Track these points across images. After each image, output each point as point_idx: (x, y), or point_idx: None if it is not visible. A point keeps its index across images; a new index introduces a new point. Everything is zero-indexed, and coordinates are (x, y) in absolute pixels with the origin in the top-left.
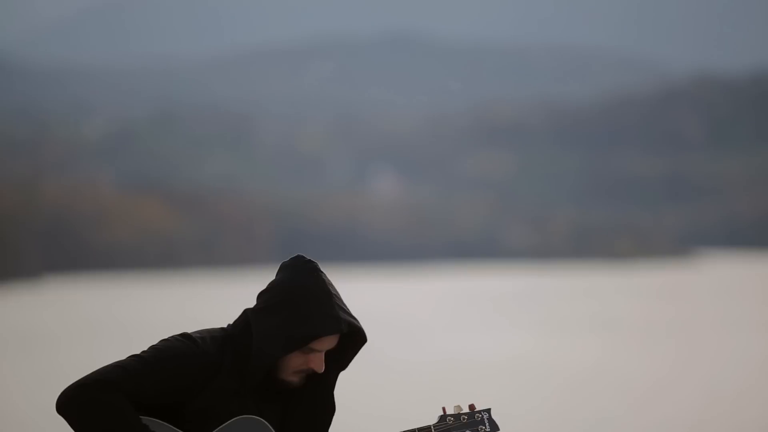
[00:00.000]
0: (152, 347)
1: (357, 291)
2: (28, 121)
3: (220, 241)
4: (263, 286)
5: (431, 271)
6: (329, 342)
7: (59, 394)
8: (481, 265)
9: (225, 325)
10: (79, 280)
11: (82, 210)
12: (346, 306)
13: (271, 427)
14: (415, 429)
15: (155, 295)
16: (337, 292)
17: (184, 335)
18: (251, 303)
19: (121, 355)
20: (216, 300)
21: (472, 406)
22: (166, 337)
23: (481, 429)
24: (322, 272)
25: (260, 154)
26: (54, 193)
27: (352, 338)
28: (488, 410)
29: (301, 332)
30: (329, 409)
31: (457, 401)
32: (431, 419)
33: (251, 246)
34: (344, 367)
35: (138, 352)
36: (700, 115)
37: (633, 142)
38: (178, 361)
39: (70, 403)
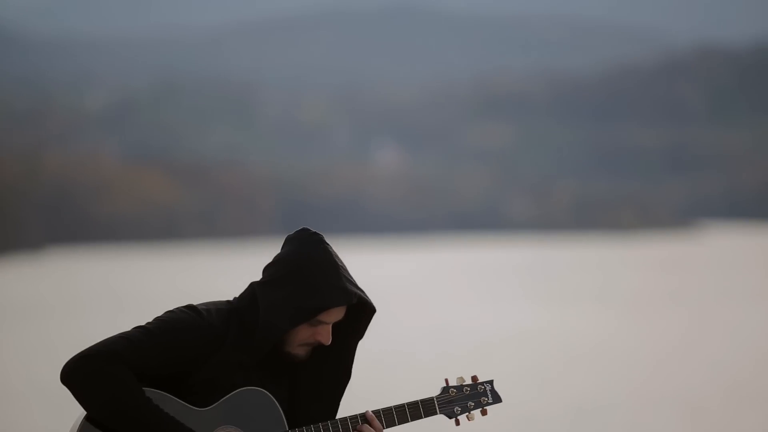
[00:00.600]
0: (157, 319)
1: (359, 263)
2: (31, 92)
3: (221, 213)
4: (265, 258)
5: (433, 242)
6: (336, 314)
7: (64, 364)
8: (483, 237)
9: (230, 299)
10: (80, 252)
11: (84, 181)
12: (352, 278)
13: (274, 398)
14: (417, 401)
15: (157, 266)
16: (343, 264)
17: (189, 307)
18: (253, 275)
19: (124, 326)
20: (218, 272)
21: (474, 378)
22: (170, 309)
23: (484, 400)
24: (328, 244)
25: (262, 125)
26: (56, 165)
27: (360, 309)
28: (491, 382)
29: (309, 304)
30: (339, 380)
31: (459, 373)
32: (434, 391)
33: (253, 217)
34: (361, 335)
35: (142, 323)
36: (701, 86)
37: (635, 113)
38: (182, 334)
39: (74, 373)
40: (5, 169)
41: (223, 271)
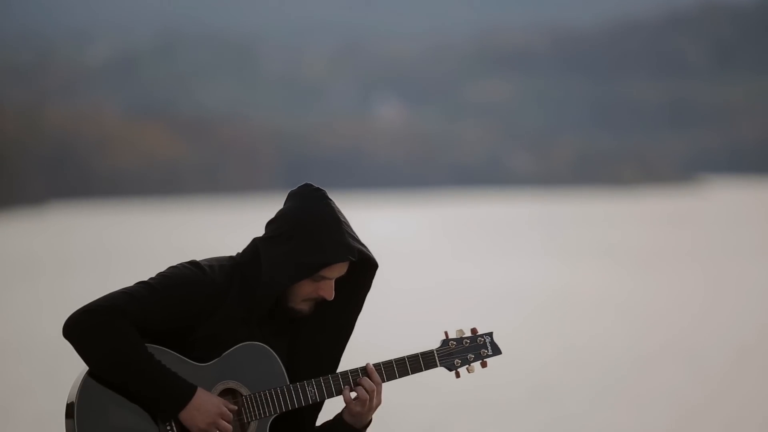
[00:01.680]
0: (160, 274)
1: (361, 218)
2: (32, 46)
3: (223, 168)
4: (266, 213)
5: (435, 197)
6: (339, 269)
7: (66, 318)
8: (485, 192)
9: (233, 254)
10: (82, 207)
11: (86, 136)
12: (355, 233)
13: (275, 353)
14: (418, 354)
15: (159, 221)
16: (346, 220)
17: (192, 263)
18: (255, 230)
19: (125, 282)
20: (220, 226)
21: (474, 330)
22: (173, 264)
23: (484, 352)
24: (330, 200)
25: (264, 80)
26: (57, 119)
27: (363, 265)
28: (490, 334)
29: (312, 260)
30: (341, 335)
31: (459, 326)
32: (434, 344)
33: (255, 172)
34: (368, 289)
35: (144, 279)
36: (704, 40)
37: (638, 68)
38: (185, 289)
39: (75, 327)
40: (6, 123)
41: (225, 226)
